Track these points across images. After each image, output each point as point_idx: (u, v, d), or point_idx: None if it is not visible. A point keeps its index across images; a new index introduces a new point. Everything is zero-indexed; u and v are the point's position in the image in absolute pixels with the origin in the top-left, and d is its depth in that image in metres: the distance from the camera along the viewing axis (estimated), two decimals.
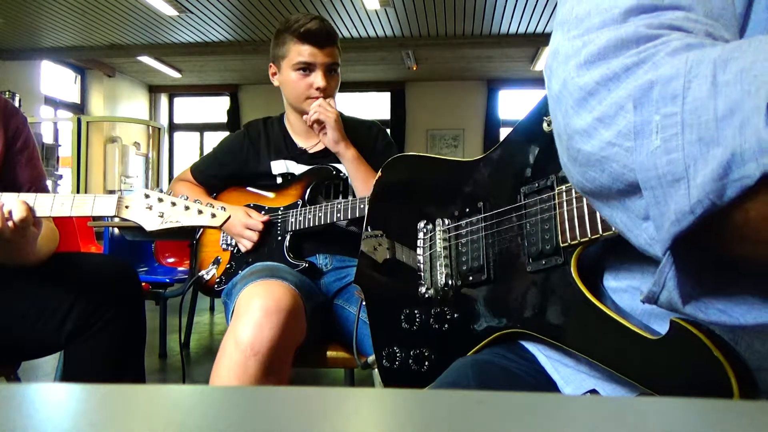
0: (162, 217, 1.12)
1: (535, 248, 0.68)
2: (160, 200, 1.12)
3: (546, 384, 0.67)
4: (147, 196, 1.12)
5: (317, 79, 1.51)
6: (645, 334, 0.55)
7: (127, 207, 1.11)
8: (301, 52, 1.52)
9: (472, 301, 0.78)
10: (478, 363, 0.71)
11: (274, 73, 1.61)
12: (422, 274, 0.88)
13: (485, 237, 0.77)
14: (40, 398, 0.28)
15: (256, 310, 1.19)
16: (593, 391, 0.63)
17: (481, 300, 0.77)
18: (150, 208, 1.12)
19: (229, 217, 1.15)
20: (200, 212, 1.13)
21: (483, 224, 0.78)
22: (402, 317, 0.88)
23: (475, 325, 0.77)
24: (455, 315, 0.81)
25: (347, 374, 1.78)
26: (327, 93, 1.53)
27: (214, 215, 1.13)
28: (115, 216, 1.12)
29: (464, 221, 0.82)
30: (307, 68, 1.52)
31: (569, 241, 0.64)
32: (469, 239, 0.80)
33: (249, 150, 1.63)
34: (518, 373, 0.68)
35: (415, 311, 0.87)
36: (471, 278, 0.78)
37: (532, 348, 0.71)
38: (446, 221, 0.85)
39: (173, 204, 1.12)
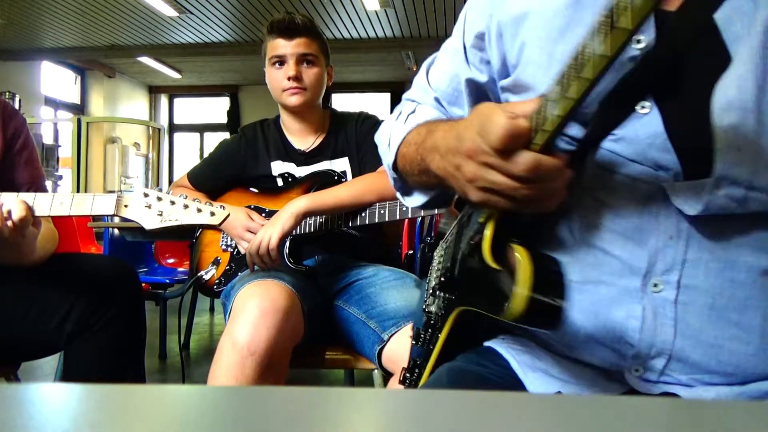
0: (161, 215, 1.12)
1: (471, 232, 0.70)
2: (159, 199, 1.12)
3: (518, 389, 0.70)
4: (146, 195, 1.12)
5: (288, 69, 1.51)
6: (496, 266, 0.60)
7: (126, 206, 1.11)
8: (273, 46, 1.53)
9: (445, 300, 0.79)
10: (454, 371, 0.73)
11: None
12: (426, 293, 0.88)
13: (455, 239, 0.78)
14: (40, 398, 0.28)
15: (253, 310, 1.19)
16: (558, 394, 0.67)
17: (447, 296, 0.77)
18: (149, 206, 1.12)
19: (228, 215, 1.15)
20: (199, 210, 1.13)
21: (456, 228, 0.79)
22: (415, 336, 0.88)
23: (441, 319, 0.78)
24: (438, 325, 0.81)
25: (347, 374, 1.78)
26: (303, 84, 1.52)
27: (212, 213, 1.13)
28: (114, 215, 1.11)
29: (450, 231, 0.83)
30: (279, 61, 1.52)
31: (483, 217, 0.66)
32: (448, 244, 0.81)
33: (247, 153, 1.61)
34: (492, 379, 0.71)
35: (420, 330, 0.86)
36: (443, 279, 0.78)
37: (506, 354, 0.74)
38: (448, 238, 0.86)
39: (172, 203, 1.12)
